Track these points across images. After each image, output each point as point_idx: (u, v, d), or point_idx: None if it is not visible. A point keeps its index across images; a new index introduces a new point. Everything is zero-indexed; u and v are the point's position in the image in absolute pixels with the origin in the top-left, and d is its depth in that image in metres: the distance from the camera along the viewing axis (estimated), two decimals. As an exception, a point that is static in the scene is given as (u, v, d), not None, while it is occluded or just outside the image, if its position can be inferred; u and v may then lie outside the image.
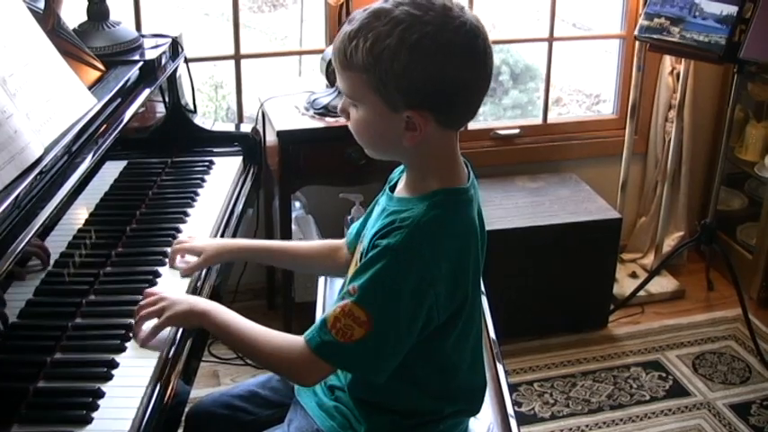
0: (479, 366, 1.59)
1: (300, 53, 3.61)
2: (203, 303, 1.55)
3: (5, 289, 1.40)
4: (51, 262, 1.57)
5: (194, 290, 1.76)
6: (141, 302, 1.58)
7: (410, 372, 1.46)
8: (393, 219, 1.39)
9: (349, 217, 3.00)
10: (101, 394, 1.41)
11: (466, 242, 1.43)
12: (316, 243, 1.84)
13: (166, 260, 1.82)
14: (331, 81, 2.85)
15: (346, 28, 1.36)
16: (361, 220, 1.66)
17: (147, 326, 1.55)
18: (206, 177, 2.22)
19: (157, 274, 1.76)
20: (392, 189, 1.53)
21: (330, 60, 2.82)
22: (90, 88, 1.87)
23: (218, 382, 2.85)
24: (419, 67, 1.31)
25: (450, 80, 1.34)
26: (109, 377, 1.45)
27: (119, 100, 1.93)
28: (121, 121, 1.89)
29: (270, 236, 3.13)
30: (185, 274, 1.77)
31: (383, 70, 1.32)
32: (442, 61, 1.32)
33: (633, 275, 3.49)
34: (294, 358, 1.43)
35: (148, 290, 1.64)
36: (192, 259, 1.80)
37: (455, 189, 1.44)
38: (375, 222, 1.47)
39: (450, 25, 1.33)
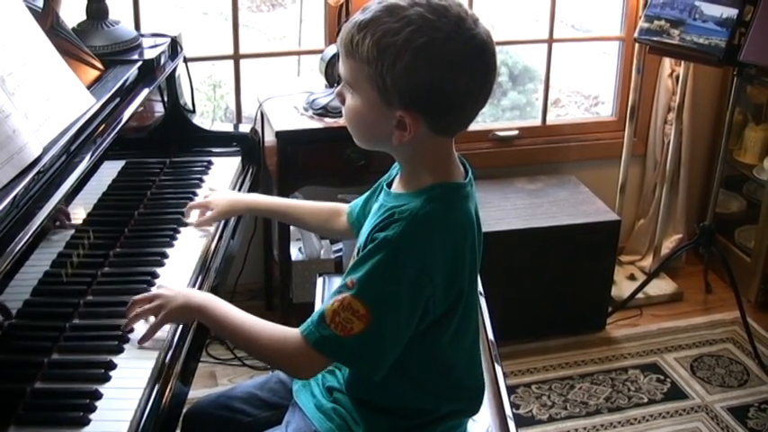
0: (477, 366, 1.59)
1: (299, 53, 3.60)
2: (199, 297, 1.54)
3: (3, 289, 1.39)
4: (49, 263, 1.57)
5: (193, 287, 1.75)
6: (136, 298, 1.57)
7: (407, 369, 1.46)
8: (391, 212, 1.40)
9: (347, 218, 3.00)
10: (98, 396, 1.40)
11: (462, 235, 1.43)
12: (320, 204, 1.89)
13: (165, 261, 1.81)
14: (330, 81, 2.85)
15: (359, 17, 1.36)
16: (364, 196, 1.67)
17: (144, 325, 1.54)
18: (204, 177, 2.21)
19: (155, 275, 1.76)
20: (389, 186, 1.53)
21: (329, 61, 2.82)
22: (89, 88, 1.87)
23: (215, 383, 2.84)
24: (420, 71, 1.31)
25: (448, 89, 1.34)
26: (106, 378, 1.44)
27: (117, 99, 1.92)
28: (120, 120, 1.88)
29: (268, 236, 3.13)
30: (199, 224, 1.94)
31: (385, 66, 1.32)
32: (443, 69, 1.32)
33: (631, 278, 3.49)
34: (292, 352, 1.43)
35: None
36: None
37: (452, 184, 1.44)
38: (373, 218, 1.47)
39: (460, 36, 1.33)
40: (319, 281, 2.15)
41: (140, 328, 1.55)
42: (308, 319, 1.42)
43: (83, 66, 1.93)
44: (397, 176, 1.52)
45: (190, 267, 1.81)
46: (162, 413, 1.42)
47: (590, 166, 3.49)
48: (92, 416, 1.36)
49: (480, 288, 1.62)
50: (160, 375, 1.47)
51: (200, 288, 1.77)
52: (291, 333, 1.44)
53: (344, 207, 1.80)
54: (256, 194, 2.11)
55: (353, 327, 1.36)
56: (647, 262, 3.57)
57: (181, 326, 1.58)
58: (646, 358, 3.07)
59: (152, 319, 1.54)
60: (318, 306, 2.02)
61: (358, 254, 1.46)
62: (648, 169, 3.58)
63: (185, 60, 2.38)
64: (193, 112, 2.45)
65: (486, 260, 1.54)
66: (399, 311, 1.38)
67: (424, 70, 1.31)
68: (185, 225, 1.97)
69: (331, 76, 2.83)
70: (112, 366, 1.47)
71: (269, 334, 1.47)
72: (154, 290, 1.61)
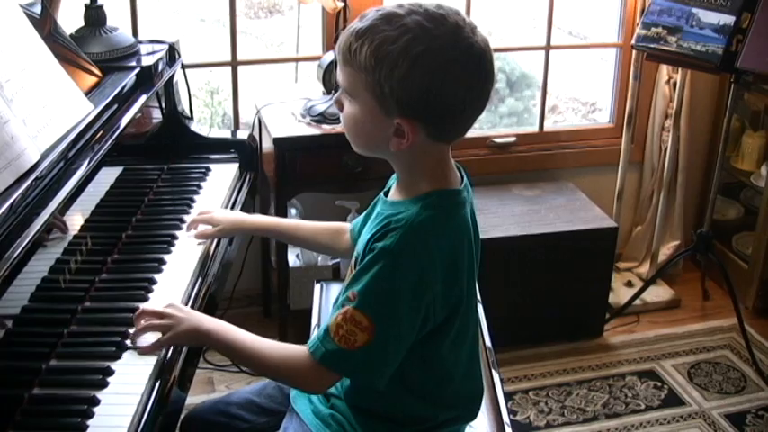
0: (476, 373, 1.59)
1: (297, 60, 3.60)
2: (207, 323, 1.52)
3: (1, 295, 1.39)
4: (47, 269, 1.57)
5: (190, 294, 1.76)
6: (145, 308, 1.56)
7: (406, 377, 1.46)
8: (388, 221, 1.40)
9: (345, 224, 3.00)
10: (96, 401, 1.40)
11: (459, 242, 1.43)
12: (321, 224, 1.87)
13: (163, 267, 1.82)
14: (327, 88, 2.85)
15: (357, 24, 1.36)
16: (364, 213, 1.67)
17: (149, 339, 1.53)
18: (202, 184, 2.22)
19: (153, 281, 1.76)
20: (386, 195, 1.54)
21: (326, 67, 2.83)
22: (87, 94, 1.87)
23: (212, 389, 2.84)
24: (418, 79, 1.31)
25: (446, 97, 1.34)
26: (104, 384, 1.44)
27: (115, 106, 1.93)
28: (118, 127, 1.88)
29: (265, 242, 3.13)
30: (199, 239, 1.94)
31: (383, 75, 1.32)
32: (441, 77, 1.32)
33: (629, 284, 3.49)
34: (301, 369, 1.43)
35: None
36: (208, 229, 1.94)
37: (448, 191, 1.44)
38: (370, 227, 1.47)
39: (458, 44, 1.33)
40: (317, 287, 2.15)
41: (143, 339, 1.54)
42: (315, 335, 1.42)
43: (81, 72, 1.93)
44: (394, 185, 1.52)
45: (187, 274, 1.81)
46: (160, 419, 1.42)
47: (587, 172, 3.49)
48: (89, 422, 1.36)
49: (478, 294, 1.62)
50: (158, 381, 1.47)
51: (197, 294, 1.77)
52: (299, 350, 1.44)
53: (346, 226, 1.80)
54: (258, 215, 2.11)
55: (357, 339, 1.37)
56: (645, 268, 3.57)
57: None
58: (643, 365, 3.07)
59: (158, 335, 1.53)
60: (315, 313, 2.04)
61: (356, 263, 1.46)
62: (646, 176, 3.58)
63: (183, 67, 2.39)
64: (191, 118, 2.46)
65: (483, 266, 1.55)
66: (401, 321, 1.38)
67: (421, 78, 1.31)
68: (182, 230, 1.98)
69: (328, 83, 2.83)
70: (110, 372, 1.47)
71: (278, 355, 1.47)
72: (163, 305, 1.58)
